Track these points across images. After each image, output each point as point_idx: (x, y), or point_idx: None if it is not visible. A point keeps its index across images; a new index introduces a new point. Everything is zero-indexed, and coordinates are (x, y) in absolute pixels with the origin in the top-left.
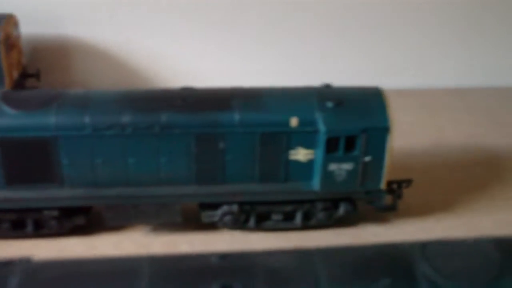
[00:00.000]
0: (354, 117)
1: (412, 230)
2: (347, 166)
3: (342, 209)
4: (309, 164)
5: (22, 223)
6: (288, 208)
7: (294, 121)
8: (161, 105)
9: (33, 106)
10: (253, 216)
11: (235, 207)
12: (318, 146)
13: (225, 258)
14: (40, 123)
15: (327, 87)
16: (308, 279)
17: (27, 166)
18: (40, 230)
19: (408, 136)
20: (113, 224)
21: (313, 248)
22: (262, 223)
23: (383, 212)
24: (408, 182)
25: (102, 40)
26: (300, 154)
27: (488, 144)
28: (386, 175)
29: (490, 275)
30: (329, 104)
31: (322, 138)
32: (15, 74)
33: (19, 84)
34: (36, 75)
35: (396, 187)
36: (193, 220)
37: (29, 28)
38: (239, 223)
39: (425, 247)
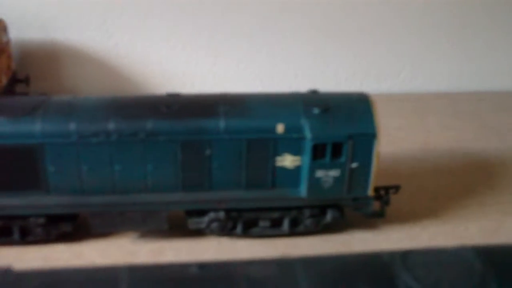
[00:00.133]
0: (340, 124)
1: (400, 236)
2: (334, 172)
3: (329, 216)
4: (296, 170)
5: (8, 230)
6: (275, 214)
7: (280, 128)
8: (147, 112)
9: (18, 113)
10: (240, 223)
11: (222, 214)
12: (304, 153)
13: (204, 268)
14: (26, 130)
15: (314, 93)
16: None
17: (13, 173)
18: (27, 237)
19: (397, 141)
20: (99, 231)
21: (294, 257)
22: (249, 229)
23: (371, 218)
24: (396, 188)
25: (92, 46)
26: (287, 161)
27: (477, 149)
28: (374, 181)
29: (471, 284)
30: (316, 111)
31: (308, 145)
32: (4, 80)
33: (8, 90)
34: (26, 81)
35: (384, 193)
36: (180, 227)
37: (19, 33)
38: (226, 230)
39: (406, 257)
